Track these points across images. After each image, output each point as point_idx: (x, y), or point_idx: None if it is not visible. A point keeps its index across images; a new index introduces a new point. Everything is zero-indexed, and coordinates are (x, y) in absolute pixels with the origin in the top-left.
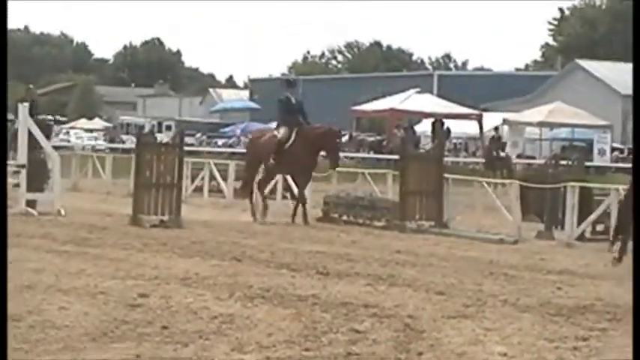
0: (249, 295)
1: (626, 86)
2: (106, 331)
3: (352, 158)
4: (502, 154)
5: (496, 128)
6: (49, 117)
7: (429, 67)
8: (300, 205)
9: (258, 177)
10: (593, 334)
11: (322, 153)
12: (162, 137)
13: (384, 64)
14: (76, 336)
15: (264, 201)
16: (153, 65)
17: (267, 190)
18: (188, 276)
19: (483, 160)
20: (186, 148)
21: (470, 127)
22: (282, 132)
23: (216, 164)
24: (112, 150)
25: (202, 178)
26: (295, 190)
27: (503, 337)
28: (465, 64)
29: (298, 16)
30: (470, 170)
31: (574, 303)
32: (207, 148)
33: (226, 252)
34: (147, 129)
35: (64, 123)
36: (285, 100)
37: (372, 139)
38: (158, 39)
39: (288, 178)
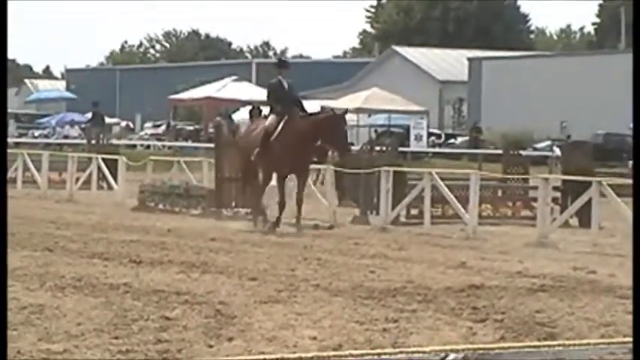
0: (59, 285)
1: (442, 72)
2: None
3: (170, 147)
4: None
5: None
6: None
7: (248, 55)
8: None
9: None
10: (403, 316)
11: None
12: None
13: (203, 53)
14: None
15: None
16: None
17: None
18: None
19: None
20: None
21: None
22: (269, 121)
23: (30, 155)
24: None
25: (16, 169)
26: (110, 180)
27: (314, 320)
28: (283, 52)
29: (115, 5)
30: None
31: (385, 286)
32: (22, 139)
33: (38, 243)
34: None
35: None
36: (276, 84)
37: (190, 127)
38: None
39: (102, 164)
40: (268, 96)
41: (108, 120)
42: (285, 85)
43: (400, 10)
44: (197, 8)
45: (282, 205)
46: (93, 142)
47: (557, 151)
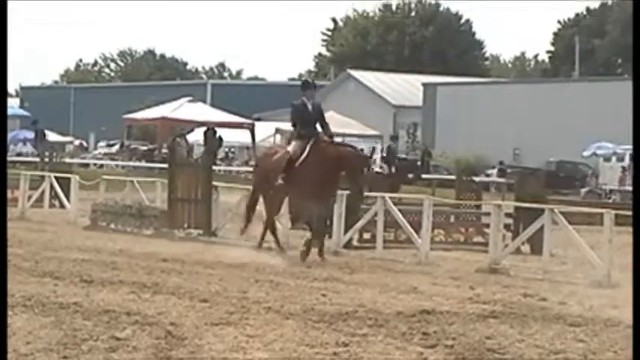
0: (9, 304)
1: (397, 97)
2: None
3: (123, 167)
4: None
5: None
6: None
7: (204, 76)
8: (315, 239)
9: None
10: (354, 340)
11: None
12: None
13: (158, 73)
14: None
15: (274, 232)
16: None
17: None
18: None
19: None
20: None
21: (243, 136)
22: (294, 146)
23: None
24: None
25: None
26: (63, 199)
27: (266, 343)
28: (239, 73)
29: (70, 23)
30: (242, 179)
31: (337, 309)
32: None
33: None
34: None
35: None
36: (299, 106)
37: (144, 147)
38: None
39: (54, 183)
40: (291, 117)
41: (62, 139)
42: (310, 106)
43: (356, 34)
44: (153, 28)
45: (318, 235)
46: (46, 159)
47: (495, 176)
